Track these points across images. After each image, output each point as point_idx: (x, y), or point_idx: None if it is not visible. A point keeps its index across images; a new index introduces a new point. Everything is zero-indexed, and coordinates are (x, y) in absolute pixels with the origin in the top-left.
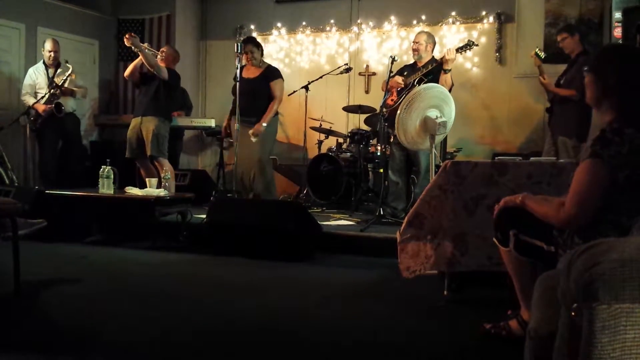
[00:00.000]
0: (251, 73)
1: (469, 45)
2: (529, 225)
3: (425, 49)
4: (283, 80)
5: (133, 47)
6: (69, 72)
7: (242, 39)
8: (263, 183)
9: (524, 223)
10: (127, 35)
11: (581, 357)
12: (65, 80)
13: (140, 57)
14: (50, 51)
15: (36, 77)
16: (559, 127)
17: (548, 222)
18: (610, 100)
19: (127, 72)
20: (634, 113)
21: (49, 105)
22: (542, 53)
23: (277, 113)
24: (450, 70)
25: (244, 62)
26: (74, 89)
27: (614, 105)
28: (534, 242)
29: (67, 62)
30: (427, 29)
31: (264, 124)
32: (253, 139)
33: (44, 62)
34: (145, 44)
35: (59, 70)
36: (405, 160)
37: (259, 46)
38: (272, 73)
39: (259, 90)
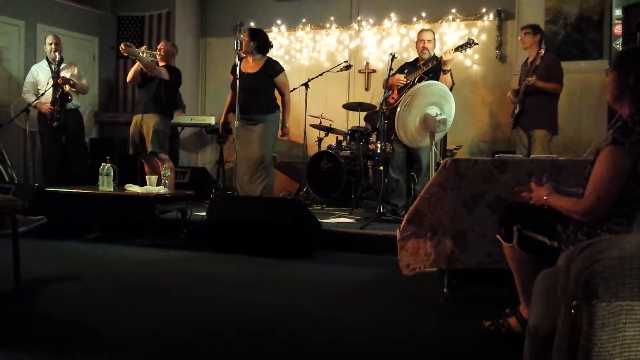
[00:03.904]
0: (250, 67)
1: (468, 43)
2: (533, 221)
3: (433, 46)
4: (284, 71)
5: (130, 56)
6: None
7: (241, 36)
8: (263, 185)
9: (528, 218)
10: (122, 46)
11: (581, 354)
12: (64, 70)
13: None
14: (50, 43)
15: (37, 74)
16: (533, 120)
17: (570, 216)
18: (630, 96)
19: (129, 78)
20: None
21: (50, 107)
22: None
23: (278, 108)
24: (449, 70)
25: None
26: (74, 80)
27: (634, 100)
28: (537, 237)
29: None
30: (427, 26)
31: (287, 125)
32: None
33: (47, 59)
34: (143, 47)
35: (62, 65)
36: (406, 157)
37: (254, 38)
38: (272, 68)
39: (259, 86)
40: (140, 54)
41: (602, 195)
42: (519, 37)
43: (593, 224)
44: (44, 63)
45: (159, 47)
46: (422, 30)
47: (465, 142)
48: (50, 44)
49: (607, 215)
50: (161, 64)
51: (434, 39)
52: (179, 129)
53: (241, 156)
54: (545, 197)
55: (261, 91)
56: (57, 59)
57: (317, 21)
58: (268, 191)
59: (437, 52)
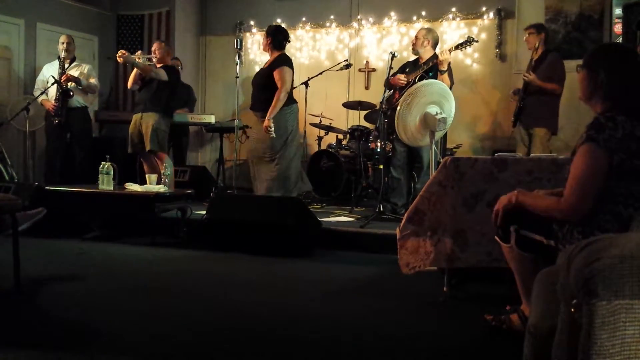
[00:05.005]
0: (265, 64)
1: (468, 41)
2: (529, 220)
3: (421, 44)
4: (289, 67)
5: (127, 64)
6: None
7: (241, 34)
8: (273, 180)
9: (525, 218)
10: (118, 55)
11: (580, 353)
12: (73, 68)
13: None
14: (62, 43)
15: (47, 72)
16: (534, 118)
17: (550, 216)
18: (601, 93)
19: (129, 84)
20: (625, 103)
21: (53, 104)
22: None
23: (294, 102)
24: (445, 71)
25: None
26: (79, 78)
27: (605, 97)
28: (534, 236)
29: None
30: (427, 25)
31: (270, 118)
32: (273, 135)
33: (59, 58)
34: (138, 52)
35: (73, 64)
36: (407, 156)
37: (269, 35)
38: (277, 62)
39: (263, 82)
40: (137, 59)
41: (581, 193)
42: (524, 38)
43: (575, 222)
44: (56, 62)
45: (152, 49)
46: None
47: (465, 140)
48: (63, 43)
49: (589, 212)
50: (158, 65)
51: (424, 38)
52: (190, 128)
53: (253, 149)
54: (514, 199)
55: (266, 87)
56: (63, 57)
57: (317, 20)
58: (284, 186)
59: (438, 51)
